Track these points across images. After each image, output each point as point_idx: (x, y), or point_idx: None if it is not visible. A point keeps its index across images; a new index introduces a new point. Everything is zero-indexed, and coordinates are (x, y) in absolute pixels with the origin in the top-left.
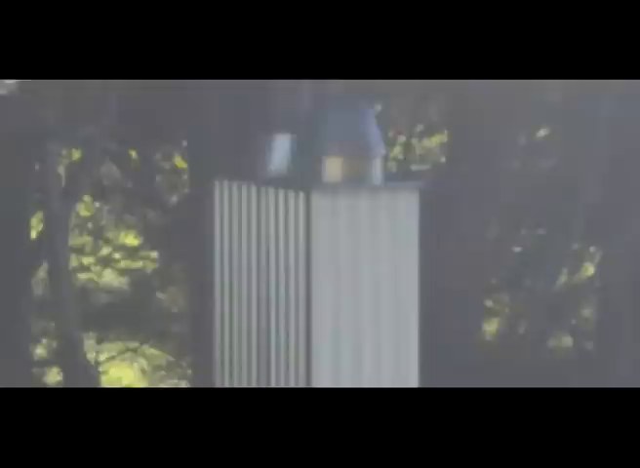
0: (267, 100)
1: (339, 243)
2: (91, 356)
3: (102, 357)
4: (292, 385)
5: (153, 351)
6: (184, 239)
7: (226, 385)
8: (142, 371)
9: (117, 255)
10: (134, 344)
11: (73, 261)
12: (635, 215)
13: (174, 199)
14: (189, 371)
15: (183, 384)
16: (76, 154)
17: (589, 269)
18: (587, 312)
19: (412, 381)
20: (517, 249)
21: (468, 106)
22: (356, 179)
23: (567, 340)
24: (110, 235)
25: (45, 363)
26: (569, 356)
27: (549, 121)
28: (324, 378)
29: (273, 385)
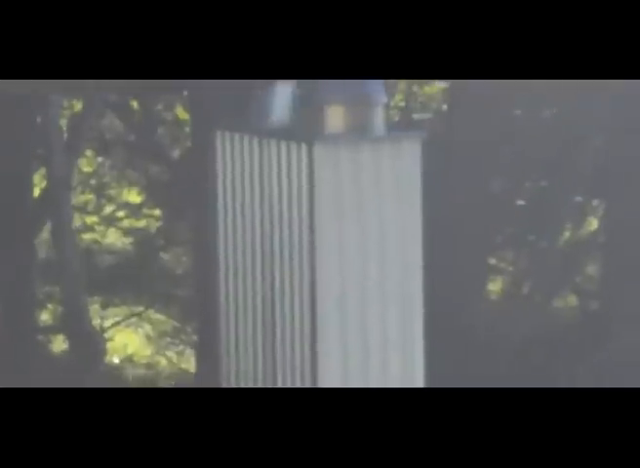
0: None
1: (342, 194)
2: (96, 322)
3: (108, 323)
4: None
5: (159, 316)
6: (188, 195)
7: (231, 362)
8: (148, 338)
9: (120, 214)
10: (139, 309)
11: (76, 221)
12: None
13: (176, 152)
14: (194, 338)
15: (188, 352)
16: (77, 105)
17: (593, 223)
18: (591, 269)
19: (418, 363)
20: (521, 202)
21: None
22: (358, 129)
23: (572, 299)
24: (113, 192)
25: (50, 329)
26: (573, 316)
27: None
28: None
29: (277, 368)
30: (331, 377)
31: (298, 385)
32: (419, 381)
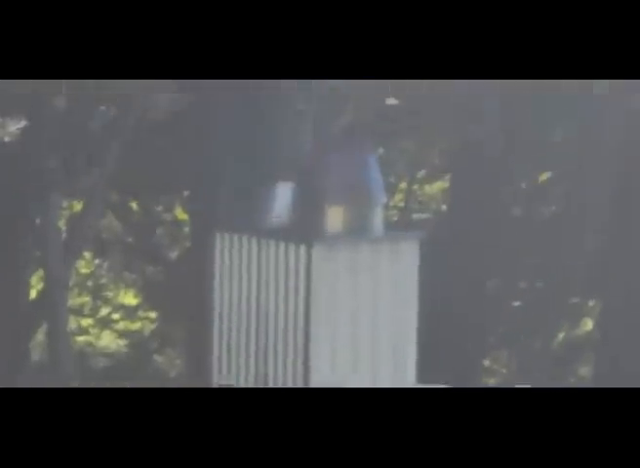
0: (269, 146)
1: (339, 294)
2: None
3: None
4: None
5: None
6: (185, 296)
7: None
8: None
9: (116, 316)
10: None
11: (72, 323)
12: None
13: (174, 253)
14: None
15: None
16: (77, 206)
17: (588, 323)
18: (584, 370)
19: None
20: (516, 303)
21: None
22: (357, 229)
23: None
24: (110, 294)
25: None
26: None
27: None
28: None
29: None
30: None
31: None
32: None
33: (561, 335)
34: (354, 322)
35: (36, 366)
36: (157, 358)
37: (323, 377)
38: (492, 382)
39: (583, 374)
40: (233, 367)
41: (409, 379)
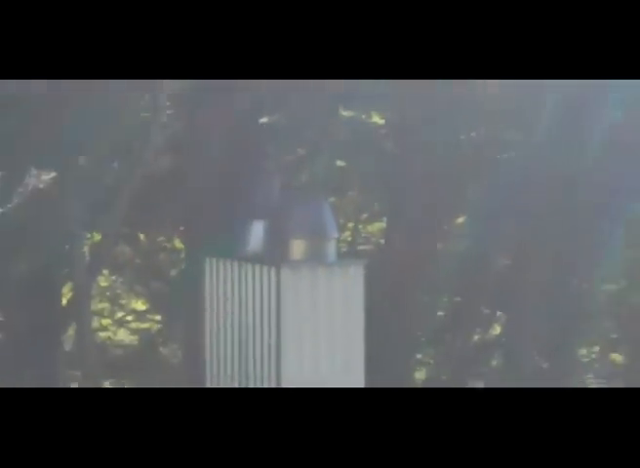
0: (245, 195)
1: (302, 307)
2: None
3: None
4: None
5: None
6: (182, 305)
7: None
8: None
9: (129, 318)
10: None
11: (95, 323)
12: (535, 285)
13: (173, 272)
14: None
15: None
16: (97, 236)
17: (495, 328)
18: (495, 362)
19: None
20: (440, 313)
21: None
22: (315, 257)
23: (479, 384)
24: (124, 301)
25: None
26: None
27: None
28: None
29: None
30: None
31: None
32: None
33: (475, 337)
34: (314, 327)
35: (68, 354)
36: (162, 350)
37: (292, 374)
38: (422, 373)
39: (493, 367)
40: (221, 359)
41: (358, 373)
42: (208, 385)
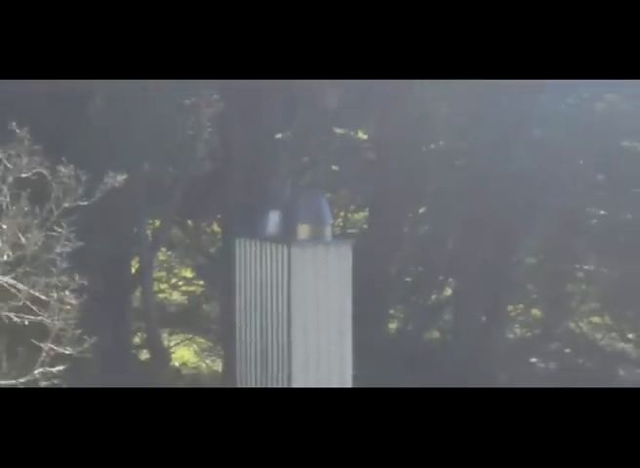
0: (265, 191)
1: (307, 276)
2: (165, 343)
3: (172, 343)
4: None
5: (201, 340)
6: (219, 274)
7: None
8: (195, 352)
9: (180, 283)
10: (190, 336)
11: (155, 287)
12: (476, 258)
13: (213, 249)
14: (222, 353)
15: (217, 361)
16: (157, 222)
17: (447, 291)
18: (447, 316)
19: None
20: (407, 279)
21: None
22: (316, 238)
23: (432, 333)
24: (176, 271)
25: (139, 347)
26: (433, 342)
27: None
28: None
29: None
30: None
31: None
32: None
33: (433, 297)
34: (315, 288)
35: (135, 310)
36: (204, 307)
37: (299, 320)
38: (394, 324)
39: (445, 319)
40: (247, 312)
41: (347, 323)
42: (238, 332)
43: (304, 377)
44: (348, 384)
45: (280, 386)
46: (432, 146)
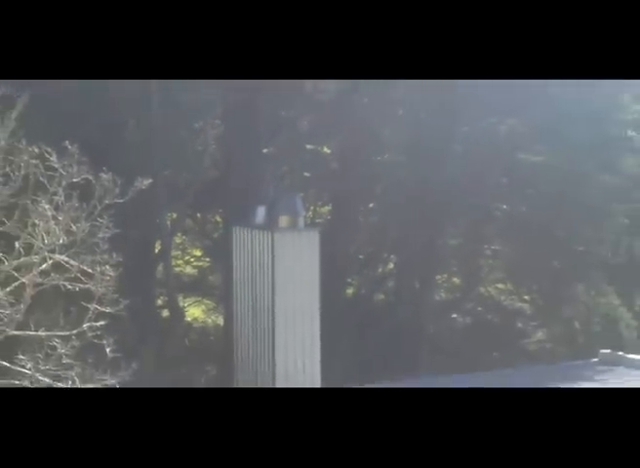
0: (255, 191)
1: (287, 256)
2: (181, 304)
3: (186, 304)
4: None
5: (207, 301)
6: (221, 253)
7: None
8: (203, 311)
9: (192, 259)
10: (199, 299)
11: (173, 263)
12: (414, 239)
13: (216, 235)
14: (223, 311)
15: (220, 317)
16: (174, 214)
17: (390, 265)
18: (390, 284)
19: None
20: (360, 256)
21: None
22: (293, 226)
23: (379, 296)
24: (189, 250)
25: (161, 307)
26: (380, 303)
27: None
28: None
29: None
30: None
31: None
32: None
33: (379, 270)
34: (292, 265)
35: (158, 280)
36: (210, 277)
37: (283, 294)
38: (350, 290)
39: (388, 287)
40: (242, 282)
41: (315, 290)
42: (235, 297)
43: (284, 329)
44: (317, 337)
45: (267, 336)
46: (379, 158)
